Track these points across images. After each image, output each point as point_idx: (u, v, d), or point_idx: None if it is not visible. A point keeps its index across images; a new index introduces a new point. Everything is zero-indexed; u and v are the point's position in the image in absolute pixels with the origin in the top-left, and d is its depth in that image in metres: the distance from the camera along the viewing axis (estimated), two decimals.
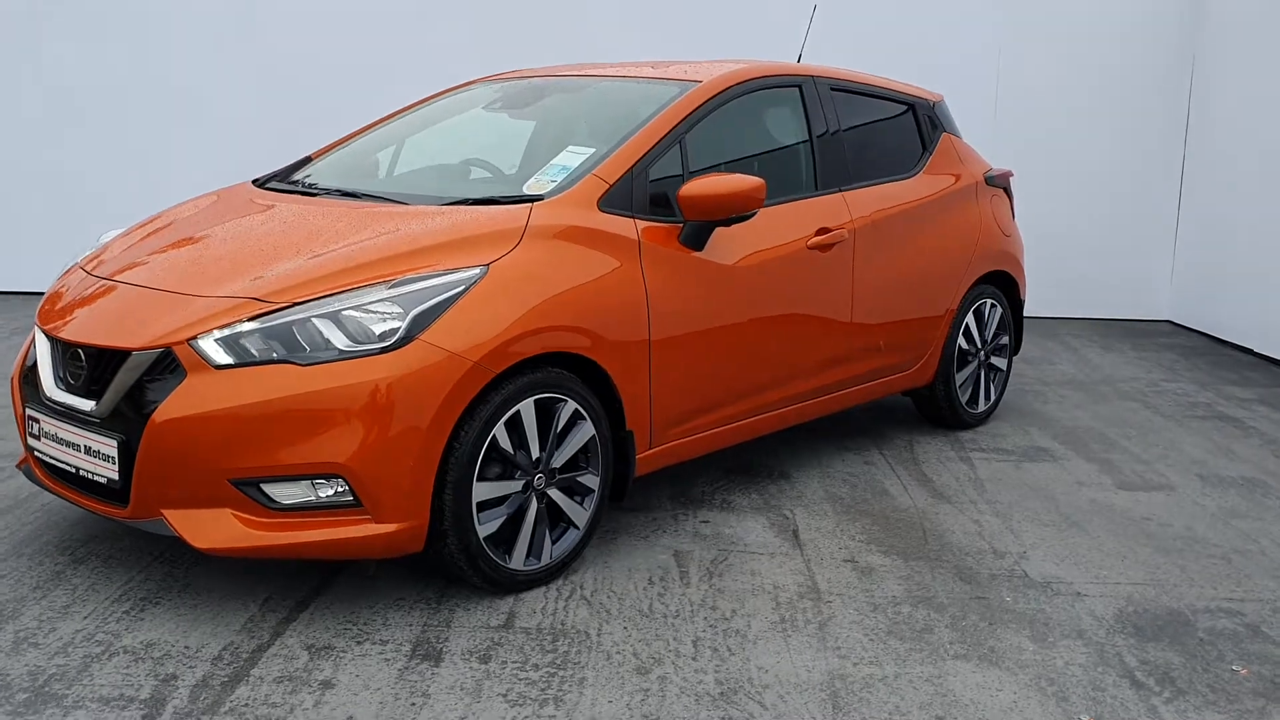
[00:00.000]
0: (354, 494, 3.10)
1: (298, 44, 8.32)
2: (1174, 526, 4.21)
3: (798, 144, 4.59)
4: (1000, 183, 5.57)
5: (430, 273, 3.24)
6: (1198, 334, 8.23)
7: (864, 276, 4.62)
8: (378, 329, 3.12)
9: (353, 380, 3.06)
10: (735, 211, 3.83)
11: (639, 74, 4.49)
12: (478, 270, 3.30)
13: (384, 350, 3.10)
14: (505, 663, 3.05)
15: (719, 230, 3.96)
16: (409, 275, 3.22)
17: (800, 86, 4.61)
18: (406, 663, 3.04)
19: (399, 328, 3.12)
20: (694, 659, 3.09)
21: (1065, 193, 8.54)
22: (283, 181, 4.34)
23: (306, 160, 4.59)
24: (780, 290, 4.22)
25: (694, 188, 3.78)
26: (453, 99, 4.78)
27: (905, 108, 5.19)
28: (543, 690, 2.91)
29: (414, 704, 2.83)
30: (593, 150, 3.88)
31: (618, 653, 3.12)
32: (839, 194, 4.59)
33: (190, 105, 8.41)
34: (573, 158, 3.86)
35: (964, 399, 5.36)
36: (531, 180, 3.80)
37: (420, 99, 4.97)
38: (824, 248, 4.42)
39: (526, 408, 3.36)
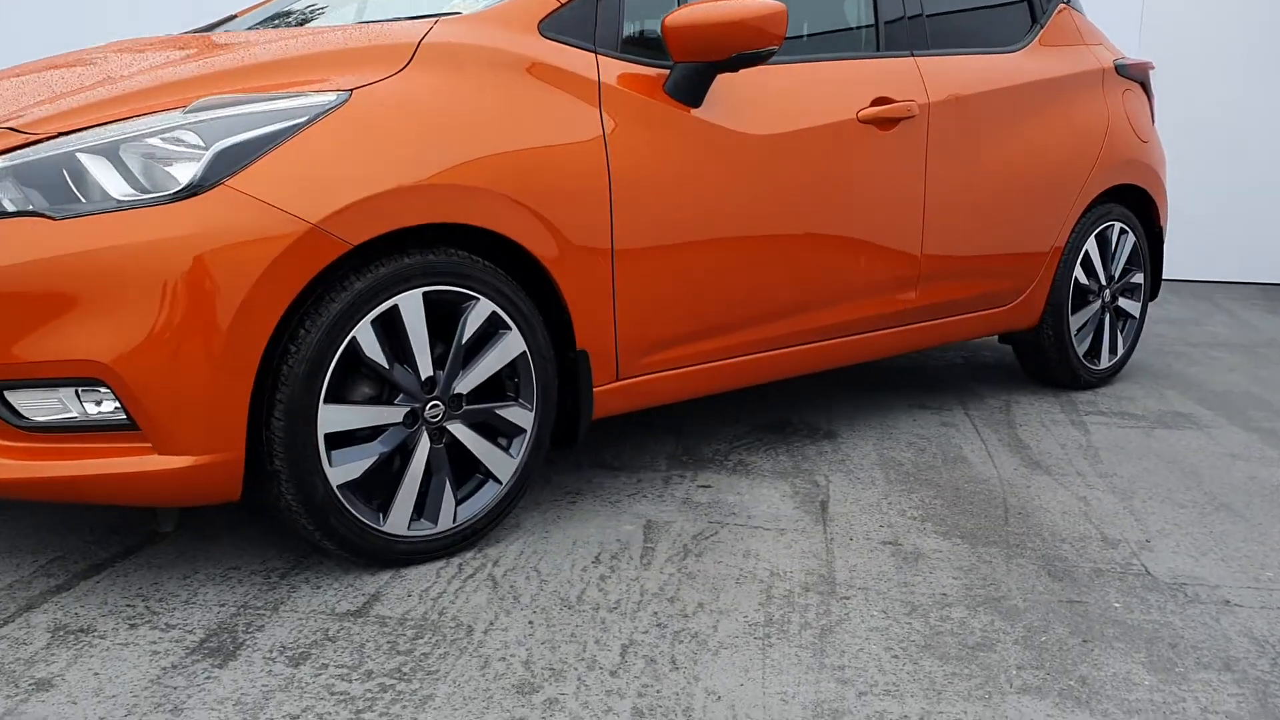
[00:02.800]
0: (126, 411, 2.12)
1: None
2: None
3: None
4: (1136, 74, 4.31)
5: (255, 95, 2.23)
6: None
7: (941, 170, 3.45)
8: (169, 170, 2.13)
9: (120, 241, 2.08)
10: (744, 48, 2.74)
11: None
12: (332, 96, 2.28)
13: (170, 199, 2.10)
14: (326, 665, 2.03)
15: (724, 78, 2.87)
16: (219, 96, 2.22)
17: None
18: (181, 659, 2.04)
19: (194, 168, 2.12)
20: (614, 674, 2.03)
21: (1224, 137, 7.10)
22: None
23: (230, 18, 3.63)
24: (816, 174, 3.10)
25: (685, 14, 2.70)
26: None
27: None
28: (357, 713, 1.88)
29: None
30: None
31: (501, 660, 2.07)
32: (910, 59, 3.44)
33: None
34: None
35: (1081, 350, 4.13)
36: None
37: None
38: (884, 123, 3.27)
39: (410, 302, 2.34)
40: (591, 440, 3.40)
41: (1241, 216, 7.19)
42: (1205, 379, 4.48)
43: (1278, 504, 3.01)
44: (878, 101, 3.26)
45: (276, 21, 3.30)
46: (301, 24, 3.25)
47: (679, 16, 2.70)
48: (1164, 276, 7.18)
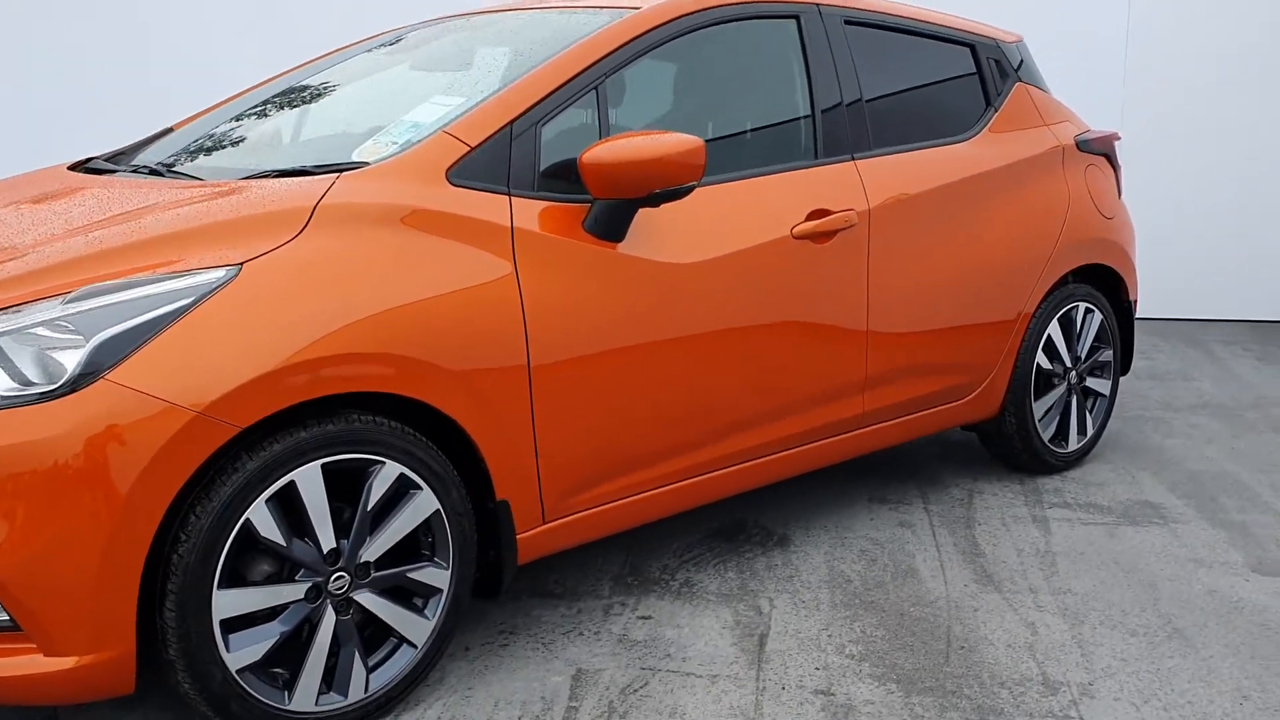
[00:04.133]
0: (7, 612, 2.06)
1: None
2: None
3: (788, 95, 3.36)
4: (1100, 148, 4.22)
5: (138, 278, 2.17)
6: None
7: (885, 276, 3.37)
8: (48, 364, 2.07)
9: None
10: (662, 184, 2.67)
11: (573, 4, 3.34)
12: (220, 273, 2.22)
13: (49, 396, 2.05)
14: None
15: (647, 213, 2.80)
16: (101, 283, 2.16)
17: (798, 18, 3.39)
18: None
19: (72, 363, 2.06)
20: None
21: (1215, 166, 6.99)
22: (111, 161, 3.33)
23: (166, 131, 3.58)
24: (749, 297, 3.02)
25: (602, 151, 2.63)
26: (371, 46, 3.69)
27: (962, 49, 3.90)
28: None
29: None
30: (462, 101, 2.76)
31: None
32: (850, 163, 3.35)
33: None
34: (433, 110, 2.75)
35: (1046, 435, 4.03)
36: (368, 143, 2.71)
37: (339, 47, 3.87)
38: (821, 236, 3.19)
39: (307, 476, 2.28)
40: (536, 563, 3.33)
41: (1234, 252, 7.07)
42: (1181, 455, 4.37)
43: (1231, 628, 2.92)
44: (814, 215, 3.18)
45: (208, 142, 3.22)
46: (237, 143, 3.19)
47: (596, 154, 2.63)
48: (1158, 316, 7.14)
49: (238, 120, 3.30)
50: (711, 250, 2.95)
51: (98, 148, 3.85)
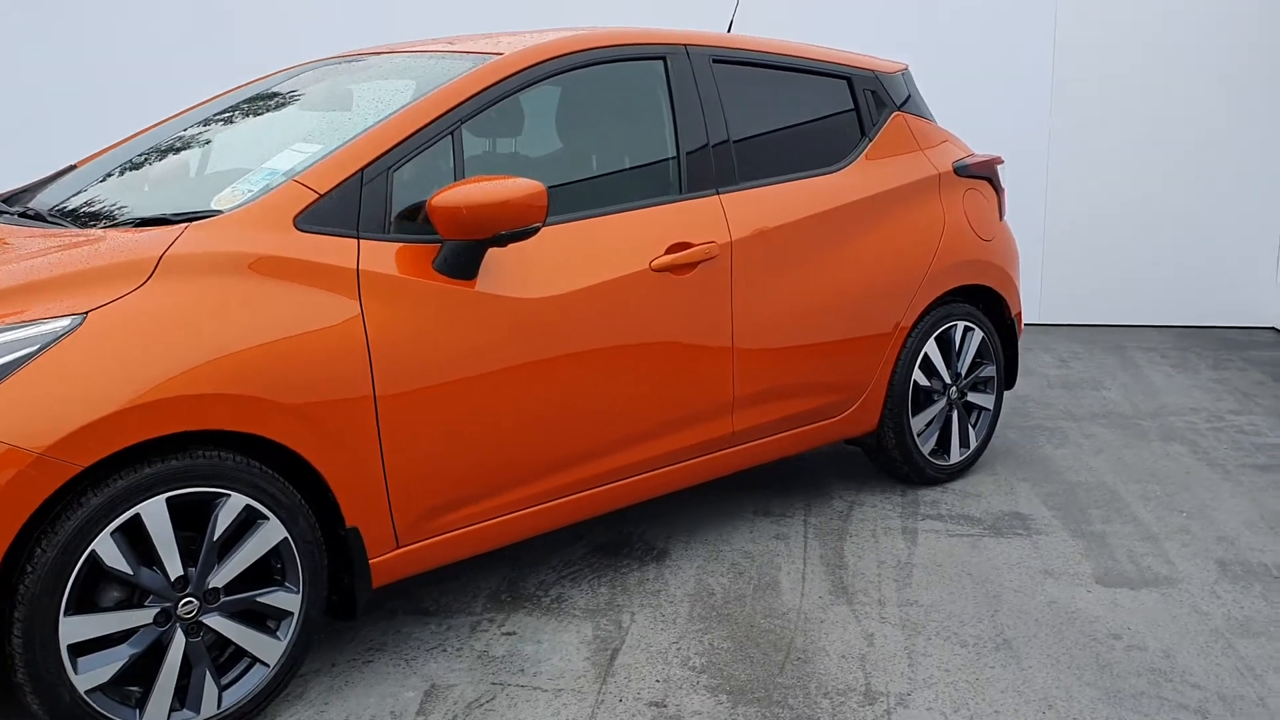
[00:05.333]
0: None
1: None
2: (1148, 651, 3.02)
3: (654, 134, 3.53)
4: (980, 173, 4.38)
5: None
6: None
7: (750, 305, 3.54)
8: None
9: None
10: (507, 227, 2.84)
11: (445, 48, 3.50)
12: (65, 322, 2.39)
13: None
14: None
15: (507, 250, 2.97)
16: None
17: (665, 59, 3.55)
18: None
19: None
20: None
21: (1141, 171, 7.17)
22: (5, 201, 3.50)
23: (69, 169, 3.74)
24: (607, 328, 3.19)
25: (450, 195, 2.80)
26: (264, 84, 3.86)
27: (838, 82, 4.06)
28: None
29: None
30: (319, 148, 2.93)
31: None
32: (714, 197, 3.52)
33: None
34: (291, 158, 2.92)
35: (926, 449, 4.21)
36: (227, 191, 2.87)
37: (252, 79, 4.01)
38: (681, 268, 3.36)
39: (153, 509, 2.44)
40: (419, 579, 3.50)
41: (1161, 258, 7.25)
42: (1067, 465, 4.54)
43: (1059, 638, 3.09)
44: (674, 248, 3.35)
45: (94, 186, 3.38)
46: (118, 188, 3.34)
47: (444, 198, 2.80)
48: (1085, 323, 7.31)
49: (127, 163, 3.46)
50: (569, 284, 3.11)
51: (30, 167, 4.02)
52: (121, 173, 3.41)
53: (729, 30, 4.40)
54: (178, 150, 3.44)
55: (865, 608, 3.28)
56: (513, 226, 2.83)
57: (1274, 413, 5.29)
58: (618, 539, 3.82)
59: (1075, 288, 7.35)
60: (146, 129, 3.78)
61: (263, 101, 3.55)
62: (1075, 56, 7.07)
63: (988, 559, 3.62)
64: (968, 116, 7.06)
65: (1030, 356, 6.50)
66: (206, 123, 3.57)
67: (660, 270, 3.30)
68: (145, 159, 3.48)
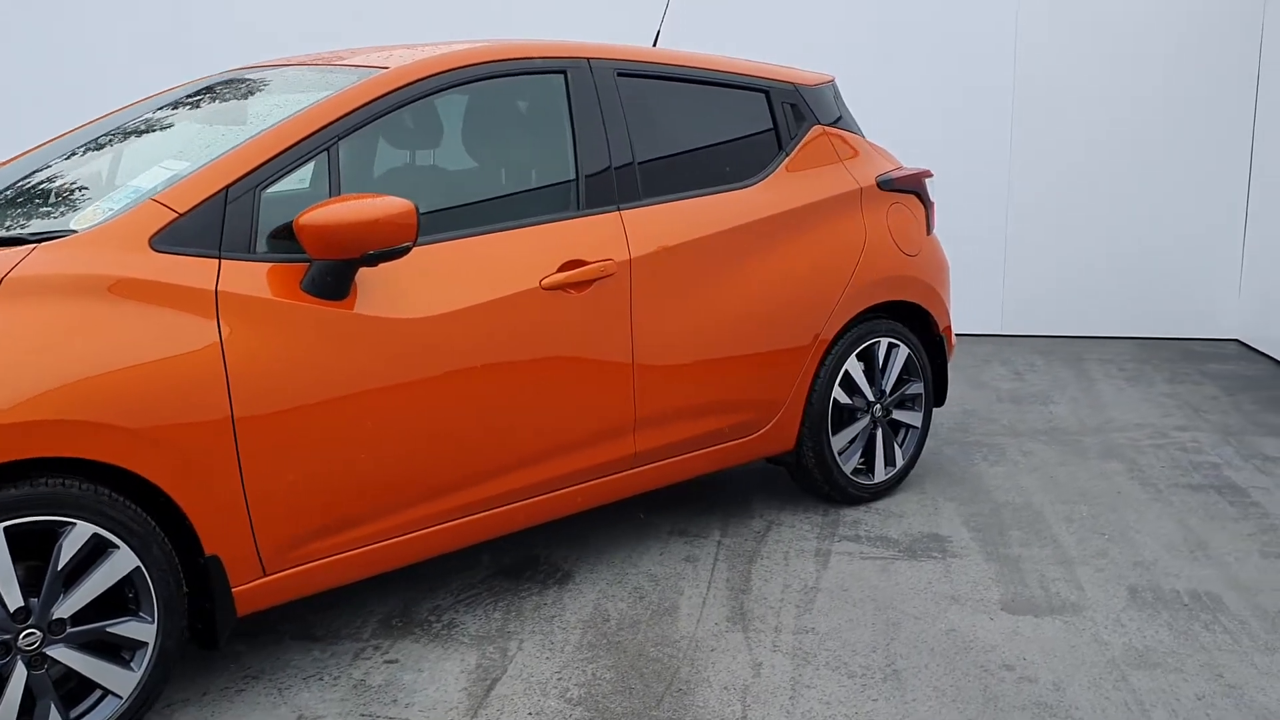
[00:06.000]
0: None
1: None
2: (1038, 683, 2.94)
3: (552, 149, 3.46)
4: (904, 186, 4.30)
5: None
6: (1268, 359, 6.68)
7: (651, 323, 3.47)
8: None
9: None
10: (377, 246, 2.77)
11: (338, 62, 3.44)
12: None
13: None
14: None
15: (386, 269, 2.91)
16: None
17: (566, 73, 3.48)
18: None
19: None
20: None
21: (1104, 181, 7.09)
22: None
23: None
24: (493, 348, 3.12)
25: (317, 214, 2.74)
26: (155, 104, 3.80)
27: (755, 95, 3.99)
28: None
29: None
30: (187, 165, 2.86)
31: None
32: (614, 213, 3.45)
33: None
34: (157, 176, 2.85)
35: (848, 467, 4.13)
36: (88, 209, 2.81)
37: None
38: (576, 286, 3.29)
39: None
40: (312, 603, 3.42)
41: (1124, 268, 7.17)
42: (997, 484, 4.46)
43: (950, 669, 3.01)
44: (567, 266, 3.28)
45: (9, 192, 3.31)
46: (3, 203, 3.27)
47: (312, 216, 2.73)
48: (1046, 334, 7.23)
49: (21, 176, 3.39)
50: (451, 303, 3.04)
51: None
52: (10, 187, 3.34)
53: (655, 44, 4.34)
54: (64, 166, 3.37)
55: (760, 635, 3.21)
56: (381, 246, 2.77)
57: (1219, 429, 5.20)
58: (523, 560, 3.75)
59: (1038, 298, 7.27)
60: (44, 143, 3.71)
61: (152, 116, 3.48)
62: (1037, 67, 6.99)
63: (896, 584, 3.54)
64: (929, 129, 7.02)
65: (986, 369, 6.42)
66: (99, 138, 3.51)
67: (551, 289, 3.23)
68: (34, 174, 3.41)
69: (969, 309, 7.25)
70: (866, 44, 7.04)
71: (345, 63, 3.35)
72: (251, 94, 3.47)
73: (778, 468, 4.57)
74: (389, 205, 2.76)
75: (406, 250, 2.82)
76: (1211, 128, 6.96)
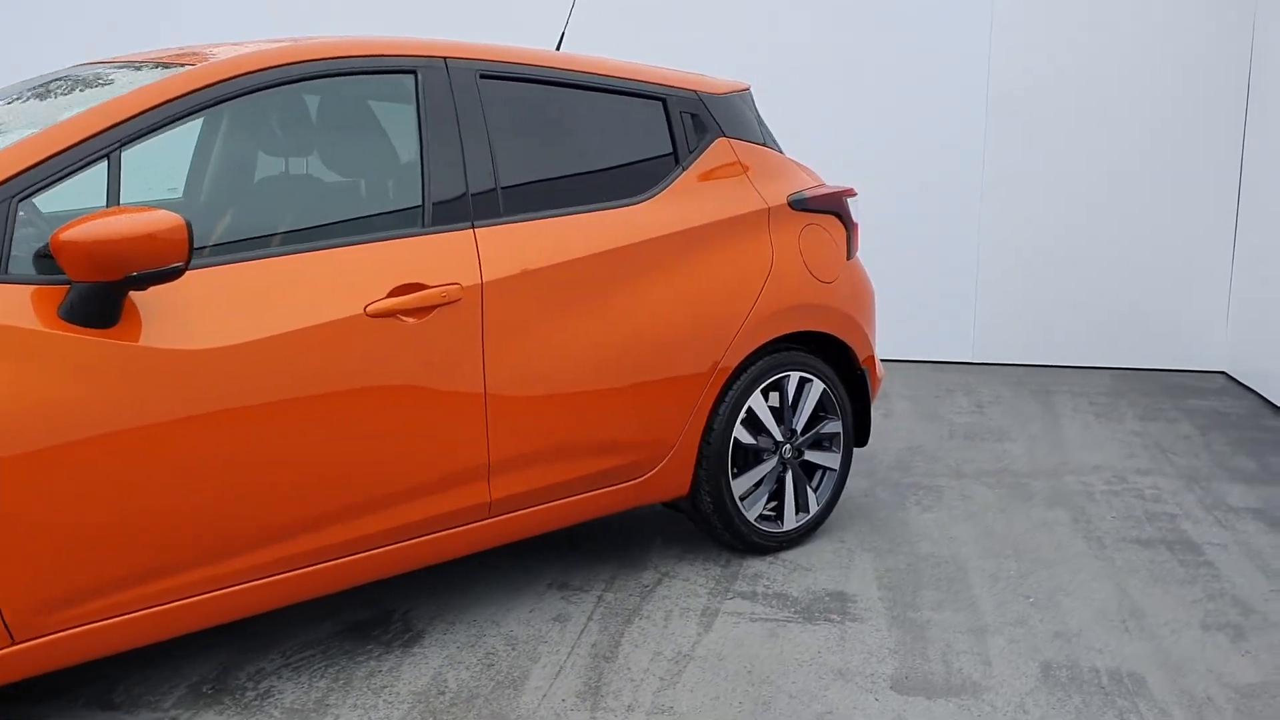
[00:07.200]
0: None
1: None
2: None
3: (394, 160, 3.09)
4: (821, 206, 3.90)
5: None
6: (1253, 394, 6.23)
7: (509, 355, 3.09)
8: None
9: None
10: (142, 267, 2.41)
11: (167, 58, 3.07)
12: None
13: None
14: None
15: (174, 295, 2.55)
16: None
17: (416, 73, 3.11)
18: None
19: None
20: None
21: (1084, 206, 6.67)
22: None
23: None
24: (302, 383, 2.74)
25: (74, 231, 2.37)
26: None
27: (650, 103, 3.61)
28: None
29: None
30: None
31: None
32: (467, 231, 3.07)
33: None
34: None
35: (752, 514, 3.73)
36: None
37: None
38: (413, 312, 2.91)
39: None
40: (127, 657, 3.05)
41: (1100, 298, 6.75)
42: (925, 533, 4.05)
43: None
44: (402, 290, 2.90)
45: None
46: None
47: (70, 233, 2.38)
48: (1020, 362, 6.80)
49: None
50: (249, 333, 2.67)
51: None
52: None
53: (558, 48, 3.97)
54: None
55: (609, 715, 2.81)
56: (145, 267, 2.40)
57: (1184, 474, 4.77)
58: (376, 617, 3.37)
59: (1011, 326, 6.85)
60: None
61: None
62: (1012, 91, 6.59)
63: (780, 653, 3.14)
64: (902, 153, 6.63)
65: (946, 400, 6.01)
66: None
67: (378, 315, 2.85)
68: None
69: (936, 335, 6.85)
70: (832, 65, 6.66)
71: (166, 58, 2.99)
72: (73, 92, 3.12)
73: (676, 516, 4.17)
74: (154, 220, 2.40)
75: (178, 272, 2.45)
76: (1197, 141, 6.54)
